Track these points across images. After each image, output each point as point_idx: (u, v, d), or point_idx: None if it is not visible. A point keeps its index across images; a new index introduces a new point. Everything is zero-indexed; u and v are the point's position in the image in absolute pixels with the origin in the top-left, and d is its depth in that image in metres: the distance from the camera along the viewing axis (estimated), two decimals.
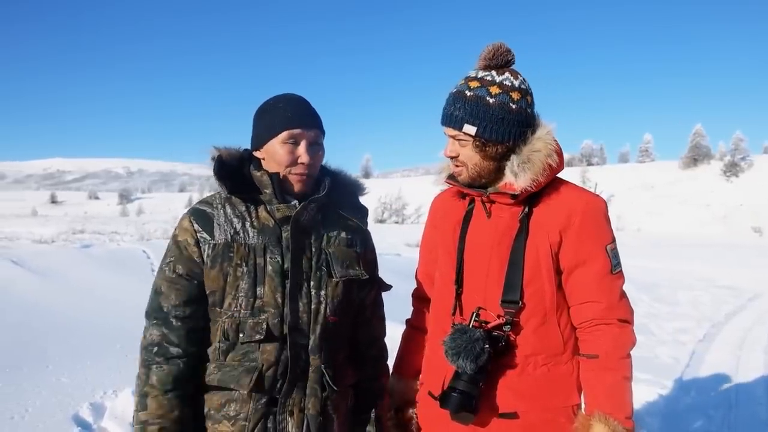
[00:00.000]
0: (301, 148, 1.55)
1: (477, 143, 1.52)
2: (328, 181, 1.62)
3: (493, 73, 1.53)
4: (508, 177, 1.53)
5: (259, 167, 1.59)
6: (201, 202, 1.61)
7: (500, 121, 1.50)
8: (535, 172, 1.50)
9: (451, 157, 1.59)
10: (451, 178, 1.65)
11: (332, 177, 1.66)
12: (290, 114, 1.56)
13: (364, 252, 1.69)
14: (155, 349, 1.49)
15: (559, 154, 1.55)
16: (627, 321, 1.55)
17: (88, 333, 4.28)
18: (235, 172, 1.57)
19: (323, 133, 1.61)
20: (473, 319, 1.53)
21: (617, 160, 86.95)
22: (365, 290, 1.69)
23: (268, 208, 1.56)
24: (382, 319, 1.81)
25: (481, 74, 1.54)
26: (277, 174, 1.55)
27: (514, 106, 1.51)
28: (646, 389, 4.41)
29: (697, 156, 58.17)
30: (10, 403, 3.17)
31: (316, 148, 1.58)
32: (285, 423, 1.51)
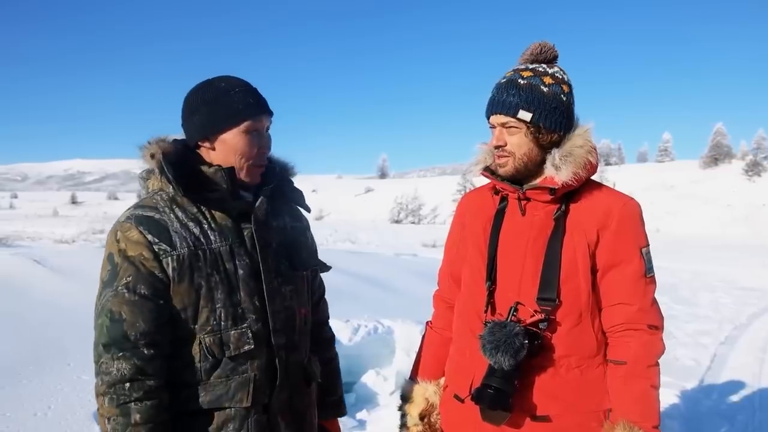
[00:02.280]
0: (264, 138, 1.47)
1: (531, 130, 1.51)
2: (278, 168, 1.55)
3: (544, 65, 1.54)
4: (549, 171, 1.51)
5: (203, 161, 1.45)
6: (141, 207, 1.40)
7: (554, 109, 1.50)
8: (577, 165, 1.49)
9: (498, 146, 1.56)
10: (487, 170, 1.63)
11: (269, 164, 1.55)
12: (252, 100, 1.44)
13: (311, 236, 1.66)
14: (128, 385, 1.29)
15: (596, 153, 1.55)
16: (657, 327, 1.52)
17: None
18: (180, 169, 1.39)
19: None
20: (511, 314, 1.51)
21: (636, 160, 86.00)
22: (313, 275, 1.68)
23: (221, 206, 1.42)
24: (326, 300, 1.80)
25: (531, 66, 1.55)
26: (232, 168, 1.42)
27: (564, 98, 1.52)
28: (667, 392, 4.34)
29: (718, 155, 57.25)
30: (33, 400, 3.22)
31: (269, 135, 1.50)
32: (279, 426, 1.48)
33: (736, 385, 4.78)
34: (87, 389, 3.42)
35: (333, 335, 1.82)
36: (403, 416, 1.77)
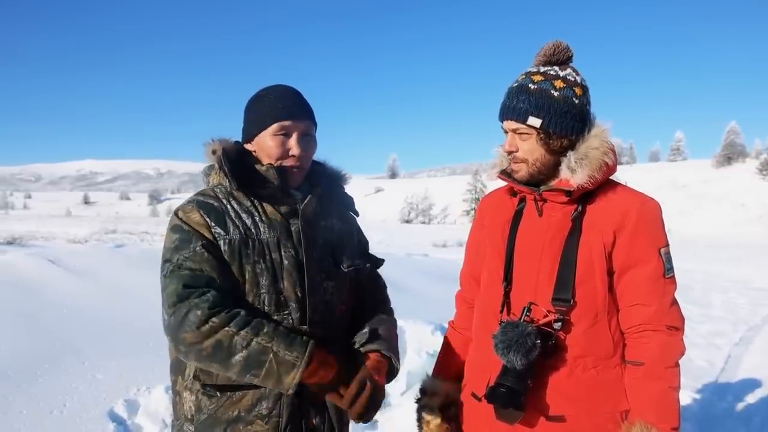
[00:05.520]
0: (293, 140, 1.53)
1: (541, 136, 1.51)
2: (327, 173, 1.66)
3: (556, 68, 1.54)
4: (564, 173, 1.51)
5: (257, 161, 1.58)
6: (202, 194, 1.55)
7: (565, 114, 1.49)
8: (592, 168, 1.48)
9: (510, 152, 1.56)
10: (503, 173, 1.63)
11: (321, 168, 1.66)
12: (281, 105, 1.54)
13: (359, 238, 1.76)
14: (217, 316, 1.36)
15: (615, 153, 1.54)
16: (677, 328, 1.52)
17: (121, 331, 4.36)
18: (238, 166, 1.53)
19: (315, 125, 1.60)
20: (524, 314, 1.51)
21: (647, 159, 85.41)
22: (362, 272, 1.73)
23: (272, 202, 1.54)
24: (383, 287, 1.79)
25: (543, 69, 1.54)
26: (283, 167, 1.53)
27: (576, 101, 1.51)
28: (680, 393, 4.30)
29: (731, 154, 56.75)
30: (50, 398, 3.26)
31: (307, 139, 1.57)
32: (310, 414, 1.54)
33: (751, 387, 4.73)
34: (101, 388, 3.46)
35: (393, 318, 1.76)
36: (421, 408, 1.77)
